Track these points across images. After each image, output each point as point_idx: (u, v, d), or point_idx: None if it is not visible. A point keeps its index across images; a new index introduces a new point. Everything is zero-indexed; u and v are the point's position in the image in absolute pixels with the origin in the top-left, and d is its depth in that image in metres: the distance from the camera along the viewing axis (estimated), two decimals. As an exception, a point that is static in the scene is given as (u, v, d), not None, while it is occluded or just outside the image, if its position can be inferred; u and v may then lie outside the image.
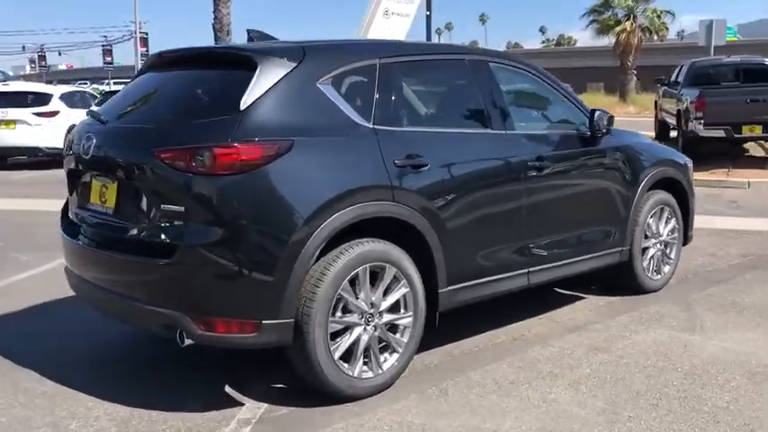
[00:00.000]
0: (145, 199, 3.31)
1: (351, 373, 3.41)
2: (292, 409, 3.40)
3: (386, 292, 3.52)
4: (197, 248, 3.11)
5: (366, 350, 3.47)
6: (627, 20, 34.45)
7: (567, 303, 5.06)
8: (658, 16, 34.51)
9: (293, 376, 3.49)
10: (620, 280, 5.18)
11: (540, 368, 3.88)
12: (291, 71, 3.37)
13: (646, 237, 5.14)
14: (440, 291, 3.74)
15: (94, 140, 3.51)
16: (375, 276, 3.47)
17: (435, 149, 3.74)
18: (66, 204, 4.04)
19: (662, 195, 5.23)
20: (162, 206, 3.19)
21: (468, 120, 4.11)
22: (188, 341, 3.18)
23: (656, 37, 34.72)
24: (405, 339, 3.62)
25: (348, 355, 3.41)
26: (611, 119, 4.68)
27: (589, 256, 4.71)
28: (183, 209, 3.13)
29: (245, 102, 3.22)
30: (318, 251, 3.23)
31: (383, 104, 3.62)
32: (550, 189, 4.34)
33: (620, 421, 3.25)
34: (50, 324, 4.72)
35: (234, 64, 3.50)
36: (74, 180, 3.87)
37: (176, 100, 3.61)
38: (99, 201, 3.58)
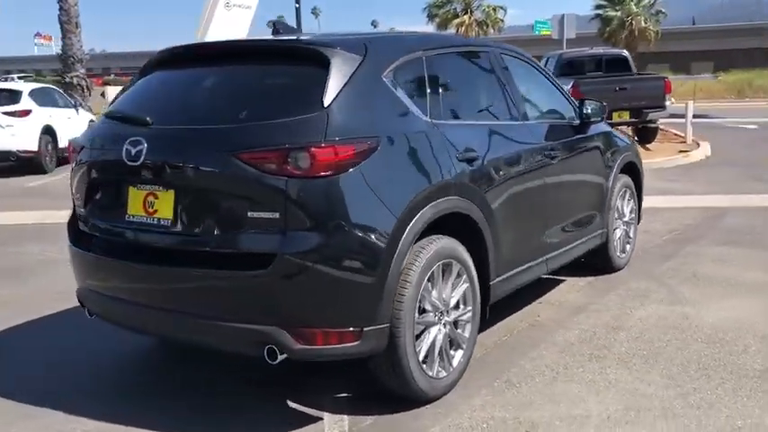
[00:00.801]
0: (224, 207, 3.00)
1: (431, 374, 3.33)
2: (377, 418, 3.26)
3: (452, 289, 3.46)
4: (296, 256, 2.87)
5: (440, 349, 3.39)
6: (465, 14, 36.08)
7: (552, 287, 5.23)
8: (494, 10, 36.39)
9: (349, 383, 3.44)
10: (595, 261, 5.44)
11: (579, 351, 3.99)
12: (360, 66, 3.20)
13: (615, 218, 5.44)
14: (491, 283, 3.74)
15: (146, 145, 3.11)
16: (443, 274, 3.40)
17: (480, 142, 3.73)
18: (75, 218, 3.57)
19: (626, 178, 5.56)
20: (250, 213, 2.90)
21: (498, 111, 4.12)
22: (281, 358, 2.93)
23: (492, 30, 36.52)
24: (467, 335, 3.58)
25: (425, 356, 3.32)
26: (603, 107, 4.89)
27: (585, 239, 4.91)
28: (277, 215, 2.87)
29: (328, 99, 3.02)
30: (408, 250, 3.11)
31: (434, 99, 3.55)
32: (560, 176, 4.47)
33: (690, 393, 3.42)
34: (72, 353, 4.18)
35: (300, 58, 3.26)
36: (95, 190, 3.44)
37: (241, 97, 3.28)
38: (144, 211, 3.19)
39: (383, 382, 3.28)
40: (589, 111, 4.80)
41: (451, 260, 3.41)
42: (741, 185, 9.75)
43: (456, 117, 3.74)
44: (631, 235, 5.79)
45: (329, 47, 3.22)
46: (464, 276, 3.51)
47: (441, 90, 3.64)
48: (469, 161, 3.56)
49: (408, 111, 3.34)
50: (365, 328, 2.99)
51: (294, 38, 3.80)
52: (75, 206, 3.62)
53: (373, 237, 3.00)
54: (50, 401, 3.49)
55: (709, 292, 5.04)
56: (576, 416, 3.24)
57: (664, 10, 36.01)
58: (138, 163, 3.12)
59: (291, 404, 3.42)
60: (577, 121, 4.82)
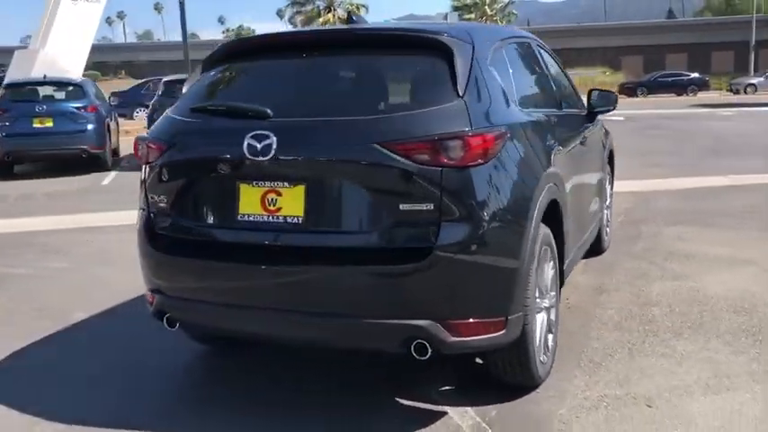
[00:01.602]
0: (370, 200, 2.87)
1: (542, 360, 3.37)
2: (498, 407, 3.24)
3: (548, 274, 3.52)
4: (453, 247, 2.80)
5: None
6: (328, 11, 36.19)
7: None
8: (357, 8, 36.76)
9: (446, 376, 3.43)
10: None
11: (631, 328, 4.18)
12: (474, 55, 3.18)
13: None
14: (564, 267, 3.84)
15: (275, 138, 2.89)
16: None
17: (551, 130, 3.81)
18: (151, 221, 3.25)
19: (607, 165, 5.88)
20: (402, 206, 2.80)
21: (550, 100, 4.23)
22: (430, 353, 2.85)
23: (355, 28, 36.92)
24: (554, 318, 3.65)
25: (538, 342, 3.35)
26: (615, 98, 5.12)
27: (595, 223, 5.14)
28: (431, 206, 2.78)
29: (461, 88, 2.99)
30: (536, 236, 3.13)
31: (516, 87, 3.59)
32: (588, 162, 4.67)
33: (756, 359, 3.69)
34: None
35: (418, 47, 3.20)
36: (191, 190, 3.17)
37: (370, 87, 3.20)
38: (262, 209, 2.97)
39: (502, 371, 3.27)
40: (596, 101, 5.03)
41: (548, 246, 3.47)
42: (645, 172, 10.57)
43: (532, 106, 3.79)
44: (610, 218, 6.13)
45: (449, 36, 3.17)
46: (552, 261, 3.58)
47: (518, 78, 3.69)
48: (551, 148, 3.64)
49: (509, 99, 3.36)
50: (509, 317, 2.98)
51: (412, 27, 3.70)
52: (150, 209, 3.30)
53: (517, 223, 3.02)
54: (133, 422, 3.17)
55: (696, 267, 5.43)
56: (678, 386, 3.40)
57: (515, 11, 38.13)
58: (267, 158, 2.90)
59: (403, 401, 3.34)
60: (585, 111, 5.04)
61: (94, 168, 12.82)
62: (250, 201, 2.99)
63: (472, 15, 35.83)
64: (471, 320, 2.89)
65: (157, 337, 3.96)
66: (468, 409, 3.23)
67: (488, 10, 35.83)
